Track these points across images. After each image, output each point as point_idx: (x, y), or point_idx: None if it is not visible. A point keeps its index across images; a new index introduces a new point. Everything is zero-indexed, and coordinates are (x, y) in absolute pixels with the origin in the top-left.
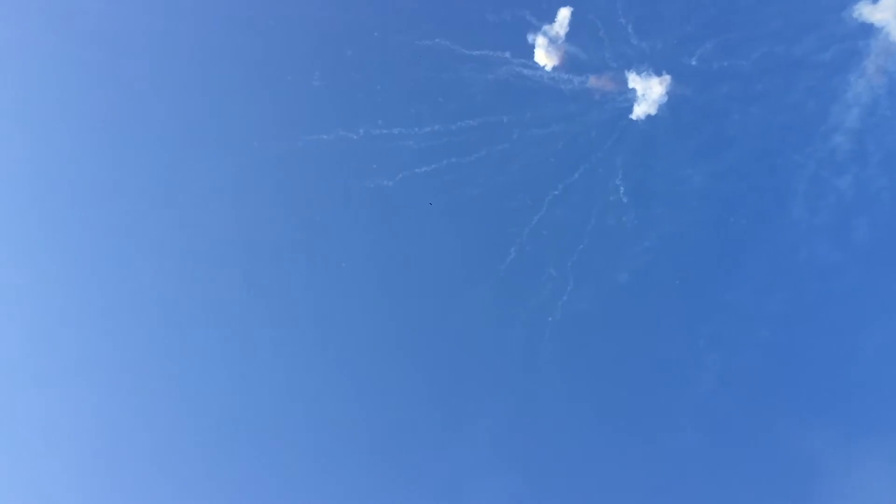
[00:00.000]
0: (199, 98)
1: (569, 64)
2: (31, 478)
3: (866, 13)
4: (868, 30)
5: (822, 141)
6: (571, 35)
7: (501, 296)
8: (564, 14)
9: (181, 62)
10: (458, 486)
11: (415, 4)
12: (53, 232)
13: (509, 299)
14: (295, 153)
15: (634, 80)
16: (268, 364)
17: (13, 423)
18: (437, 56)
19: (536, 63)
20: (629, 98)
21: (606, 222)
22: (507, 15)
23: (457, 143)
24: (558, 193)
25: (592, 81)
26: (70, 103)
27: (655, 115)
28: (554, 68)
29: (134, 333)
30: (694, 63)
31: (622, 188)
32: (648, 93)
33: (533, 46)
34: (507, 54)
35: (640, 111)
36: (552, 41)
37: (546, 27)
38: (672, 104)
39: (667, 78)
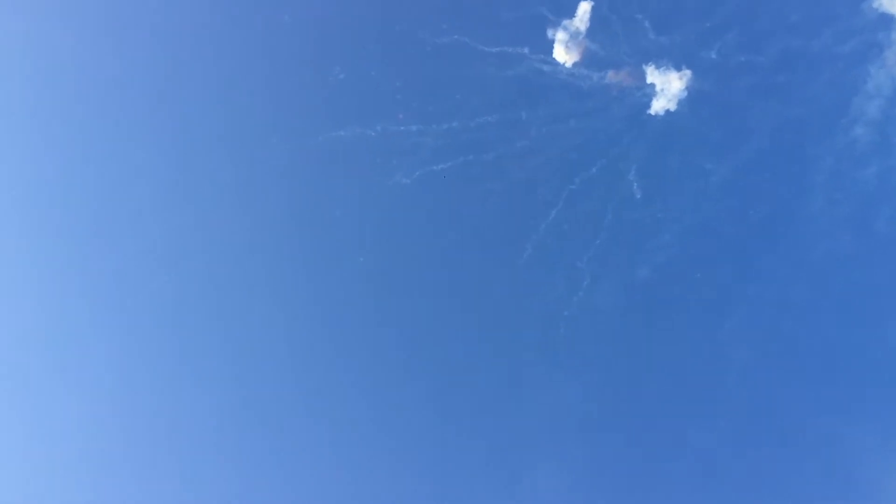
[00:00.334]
0: (217, 94)
1: (588, 59)
2: (32, 477)
3: (886, 4)
4: (888, 21)
5: (842, 133)
6: (590, 31)
7: (518, 292)
8: (584, 9)
9: (198, 59)
10: (465, 482)
11: (433, 1)
12: (72, 229)
13: (526, 295)
14: (312, 150)
15: (653, 75)
16: (290, 360)
17: (14, 423)
18: (456, 53)
19: (555, 59)
20: (648, 93)
21: (624, 217)
22: (524, 11)
23: (475, 139)
24: (575, 188)
25: (611, 76)
26: (86, 101)
27: (674, 110)
28: (574, 64)
29: (151, 328)
30: (714, 56)
31: (639, 183)
32: (667, 88)
33: (551, 42)
34: (526, 50)
35: (658, 106)
36: (572, 37)
37: (566, 22)
38: (691, 99)
39: (686, 73)
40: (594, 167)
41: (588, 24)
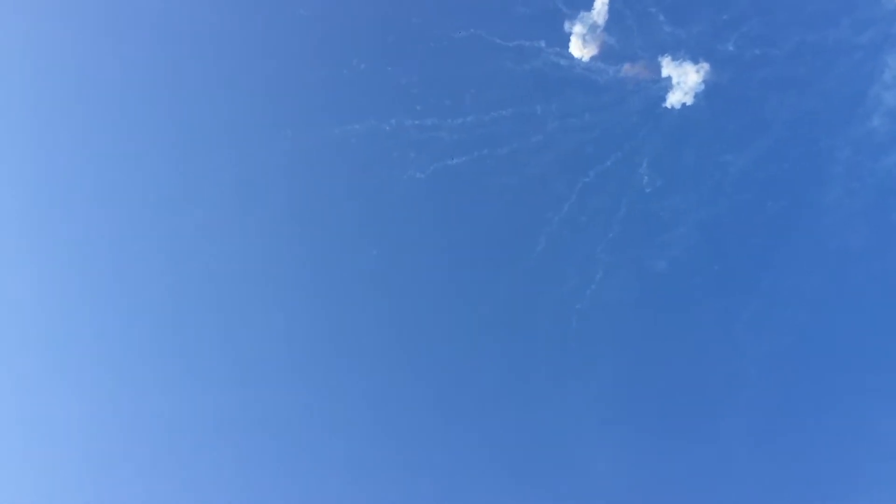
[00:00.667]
0: (232, 88)
1: (604, 53)
2: (33, 478)
3: None
4: None
5: (860, 123)
6: (607, 24)
7: (531, 284)
8: (602, 1)
9: (213, 54)
10: (472, 480)
11: None
12: (92, 226)
13: (539, 287)
14: (327, 143)
15: (669, 68)
16: (303, 354)
17: (14, 423)
18: (472, 47)
19: (571, 53)
20: (664, 87)
21: (638, 210)
22: (540, 6)
23: (490, 134)
24: (590, 181)
25: (626, 70)
26: (102, 95)
27: (690, 104)
28: (590, 58)
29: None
30: (731, 48)
31: (654, 176)
32: (683, 80)
33: (568, 35)
34: (543, 44)
35: (674, 99)
36: (589, 30)
37: (582, 15)
38: (708, 91)
39: (704, 66)
40: (609, 160)
41: (606, 18)
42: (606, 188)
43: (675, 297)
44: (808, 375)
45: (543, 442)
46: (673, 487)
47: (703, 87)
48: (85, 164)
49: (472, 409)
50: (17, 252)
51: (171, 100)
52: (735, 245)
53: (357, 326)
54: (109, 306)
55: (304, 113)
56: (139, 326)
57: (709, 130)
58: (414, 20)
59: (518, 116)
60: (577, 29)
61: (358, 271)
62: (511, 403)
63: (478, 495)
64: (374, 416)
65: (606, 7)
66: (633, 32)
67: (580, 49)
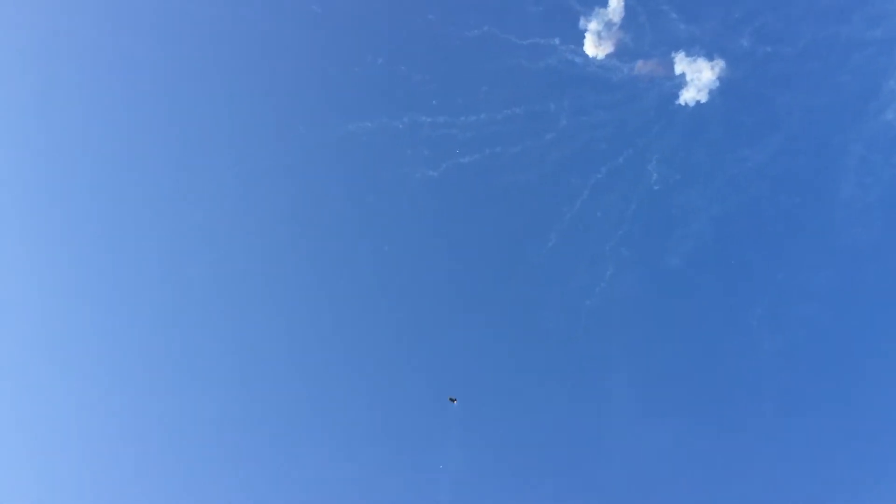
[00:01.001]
0: (245, 85)
1: (618, 50)
2: (34, 478)
3: None
4: None
5: (873, 118)
6: (622, 22)
7: (541, 281)
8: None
9: (228, 48)
10: (483, 475)
11: None
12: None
13: (549, 284)
14: (339, 140)
15: (682, 65)
16: (323, 341)
17: (17, 423)
18: (486, 45)
19: (585, 51)
20: (677, 84)
21: (649, 206)
22: (553, 3)
23: (503, 132)
24: (602, 178)
25: (640, 67)
26: (113, 91)
27: (704, 101)
28: (606, 55)
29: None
30: (745, 44)
31: (666, 173)
32: (697, 77)
33: (582, 33)
34: (557, 41)
35: (688, 96)
36: (604, 28)
37: (598, 11)
38: (722, 88)
39: (719, 62)
40: (621, 157)
41: (622, 15)
42: (618, 185)
43: (687, 293)
44: (821, 370)
45: (553, 437)
46: (684, 481)
47: (717, 83)
48: (91, 163)
49: (481, 403)
50: (17, 252)
51: (185, 97)
52: (748, 241)
53: (368, 323)
54: (110, 306)
55: (317, 110)
56: (139, 326)
57: (722, 126)
58: (428, 17)
59: (531, 114)
60: (592, 26)
61: (369, 268)
62: (521, 398)
63: (486, 492)
64: (384, 413)
65: (622, 4)
66: (646, 30)
67: (595, 47)
